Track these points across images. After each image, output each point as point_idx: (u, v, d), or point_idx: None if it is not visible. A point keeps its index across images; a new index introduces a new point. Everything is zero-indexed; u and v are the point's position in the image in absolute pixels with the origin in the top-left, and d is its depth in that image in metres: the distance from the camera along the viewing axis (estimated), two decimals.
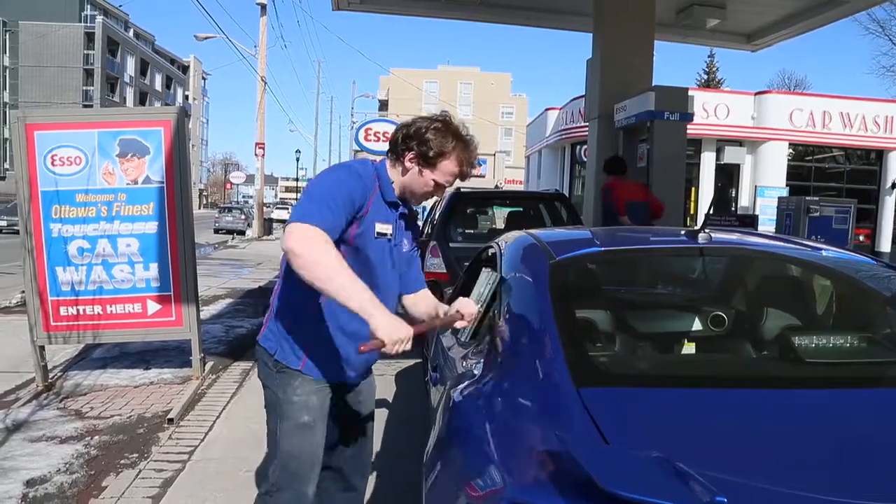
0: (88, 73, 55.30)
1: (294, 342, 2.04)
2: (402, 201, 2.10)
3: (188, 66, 72.34)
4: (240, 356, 6.05)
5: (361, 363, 2.16)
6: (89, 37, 54.95)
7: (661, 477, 1.14)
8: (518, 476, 1.37)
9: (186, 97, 69.23)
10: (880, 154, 20.38)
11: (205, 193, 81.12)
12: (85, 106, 47.31)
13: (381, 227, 2.01)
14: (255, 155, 25.74)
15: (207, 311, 8.19)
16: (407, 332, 1.75)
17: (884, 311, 2.49)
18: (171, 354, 5.88)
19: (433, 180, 2.00)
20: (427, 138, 1.96)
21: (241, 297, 9.74)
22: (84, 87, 54.76)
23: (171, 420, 4.23)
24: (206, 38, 23.40)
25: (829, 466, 1.38)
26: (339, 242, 1.87)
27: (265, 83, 25.20)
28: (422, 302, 2.24)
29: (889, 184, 20.33)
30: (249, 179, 57.12)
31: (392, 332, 1.72)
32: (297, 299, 2.01)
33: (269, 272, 13.47)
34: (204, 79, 77.57)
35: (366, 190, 1.95)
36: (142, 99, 59.73)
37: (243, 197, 72.30)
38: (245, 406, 4.61)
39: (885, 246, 20.22)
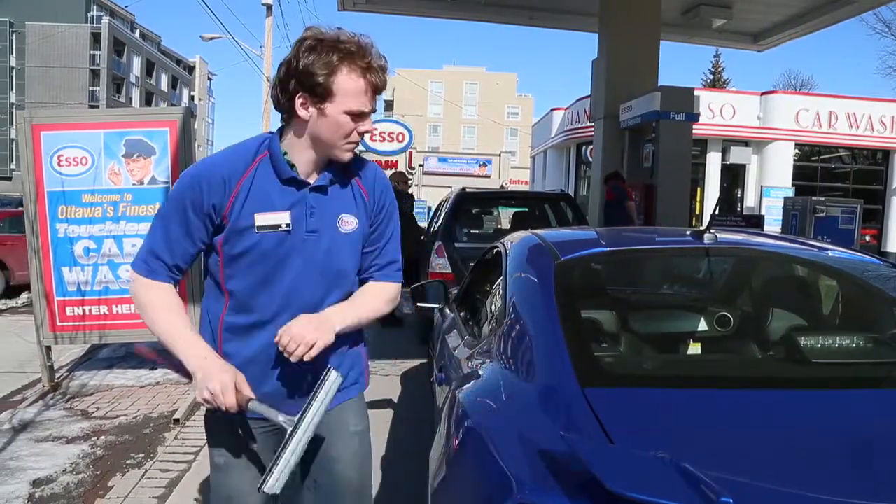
0: (95, 74, 55.55)
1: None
2: (329, 168, 1.61)
3: (194, 67, 72.57)
4: None
5: (279, 388, 1.63)
6: (95, 37, 55.22)
7: (666, 477, 1.14)
8: (523, 476, 1.37)
9: (192, 97, 69.44)
10: (887, 154, 20.29)
11: None
12: (91, 106, 47.56)
13: (265, 219, 1.55)
14: None
15: None
16: (219, 383, 1.45)
17: (890, 312, 2.47)
18: None
19: (344, 113, 1.50)
20: (302, 67, 1.47)
21: None
22: (90, 88, 55.02)
23: (176, 420, 4.24)
24: (212, 38, 23.45)
25: (835, 467, 1.37)
26: (214, 257, 1.62)
27: (271, 83, 25.26)
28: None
29: (895, 184, 20.24)
30: None
31: (200, 385, 1.47)
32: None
33: None
34: (210, 79, 77.80)
35: (218, 186, 1.52)
36: (148, 99, 59.96)
37: None
38: None
39: (891, 246, 20.13)
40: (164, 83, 65.90)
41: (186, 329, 1.56)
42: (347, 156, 1.59)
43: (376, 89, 1.53)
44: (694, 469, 1.13)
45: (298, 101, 1.50)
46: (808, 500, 1.22)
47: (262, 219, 1.55)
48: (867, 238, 19.26)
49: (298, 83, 1.49)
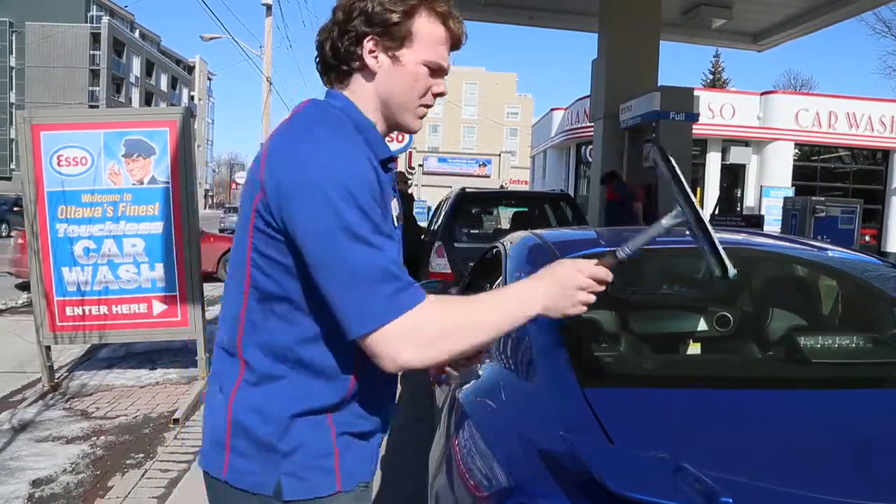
0: (94, 74, 55.62)
1: (313, 444, 1.17)
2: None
3: (194, 67, 72.67)
4: None
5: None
6: (95, 37, 55.28)
7: (666, 477, 1.14)
8: (523, 476, 1.37)
9: (192, 97, 69.53)
10: (886, 154, 20.30)
11: (210, 194, 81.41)
12: (91, 106, 47.61)
13: (395, 208, 1.27)
14: None
15: (213, 312, 8.20)
16: (573, 270, 1.22)
17: (890, 312, 2.48)
18: (177, 354, 5.90)
19: (423, 63, 1.22)
20: (371, 6, 1.19)
21: None
22: (90, 88, 55.09)
23: (176, 420, 4.25)
24: (212, 38, 23.45)
25: (835, 467, 1.38)
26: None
27: (270, 83, 25.26)
28: None
29: (895, 184, 20.25)
30: None
31: (567, 293, 1.20)
32: (321, 358, 1.18)
33: None
34: (209, 79, 77.90)
35: (373, 164, 1.16)
36: (147, 99, 60.01)
37: None
38: None
39: (891, 246, 20.14)
40: (164, 83, 65.95)
41: (487, 295, 1.25)
42: (418, 123, 1.29)
43: (455, 44, 1.27)
44: (694, 469, 1.13)
45: (367, 45, 1.20)
46: (807, 499, 1.22)
47: (395, 208, 1.26)
48: (867, 238, 19.27)
49: (367, 22, 1.18)
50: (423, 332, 1.08)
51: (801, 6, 9.37)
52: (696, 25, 9.86)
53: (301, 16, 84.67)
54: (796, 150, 19.92)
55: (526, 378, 1.75)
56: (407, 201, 8.19)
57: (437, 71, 1.25)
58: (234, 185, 60.86)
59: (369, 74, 1.22)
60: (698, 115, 8.36)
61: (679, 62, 77.63)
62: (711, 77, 38.76)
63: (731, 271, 1.23)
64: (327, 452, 1.19)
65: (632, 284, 2.85)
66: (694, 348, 2.22)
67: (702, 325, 2.38)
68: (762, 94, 19.93)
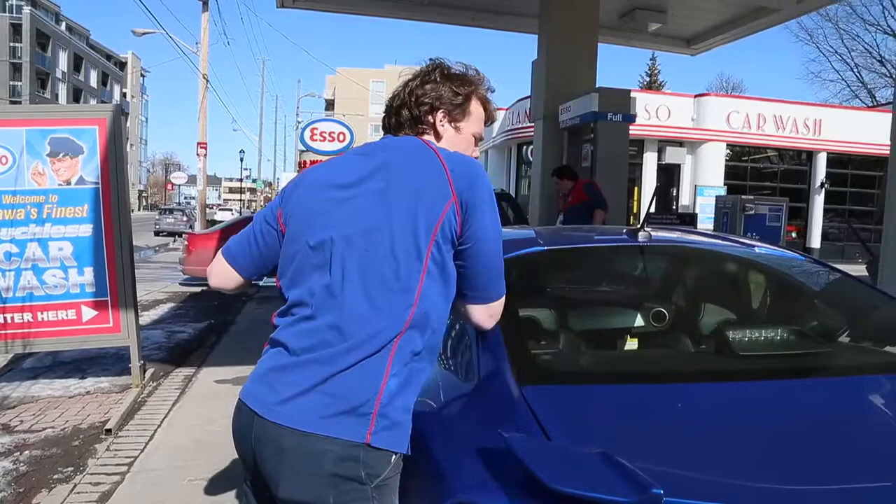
0: (16, 68, 52.85)
1: (411, 407, 1.44)
2: None
3: (126, 63, 69.98)
4: (181, 362, 5.88)
5: None
6: (16, 28, 52.48)
7: (600, 472, 1.16)
8: (463, 475, 1.37)
9: (124, 95, 66.91)
10: (810, 155, 21.33)
11: (144, 195, 78.70)
12: (12, 102, 45.22)
13: None
14: (198, 155, 25.06)
15: (147, 317, 7.95)
16: None
17: (812, 305, 2.60)
18: (109, 362, 5.67)
19: (472, 134, 1.68)
20: (444, 89, 1.62)
21: (183, 301, 9.48)
22: (11, 83, 52.30)
23: (108, 430, 4.08)
24: (145, 33, 22.66)
25: (763, 455, 1.43)
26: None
27: (207, 81, 24.59)
28: None
29: (818, 183, 21.30)
30: (191, 180, 55.67)
31: None
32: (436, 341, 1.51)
33: None
34: (143, 76, 75.20)
35: None
36: (76, 96, 57.50)
37: (185, 198, 70.37)
38: (188, 413, 4.49)
39: (815, 242, 21.18)
40: (94, 79, 63.31)
41: None
42: None
43: (488, 121, 1.72)
44: (627, 463, 1.15)
45: (438, 116, 1.62)
46: (736, 487, 1.26)
47: None
48: (793, 235, 20.22)
49: (439, 100, 1.62)
50: None
51: (731, 13, 9.72)
52: (633, 29, 10.10)
53: (239, 12, 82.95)
54: (728, 151, 20.71)
55: (465, 378, 1.75)
56: None
57: (478, 140, 1.72)
58: (169, 186, 59.02)
59: (437, 137, 1.63)
60: (635, 116, 8.57)
61: (617, 64, 79.61)
62: (648, 79, 39.87)
63: None
64: None
65: (570, 282, 2.90)
66: (631, 343, 2.27)
67: (638, 321, 2.44)
68: (696, 96, 20.64)
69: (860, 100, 29.25)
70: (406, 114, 1.63)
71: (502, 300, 1.56)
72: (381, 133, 1.73)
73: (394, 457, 1.35)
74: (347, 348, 1.34)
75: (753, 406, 1.64)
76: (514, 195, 12.96)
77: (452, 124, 1.64)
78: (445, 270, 1.44)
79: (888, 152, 4.03)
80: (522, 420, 1.44)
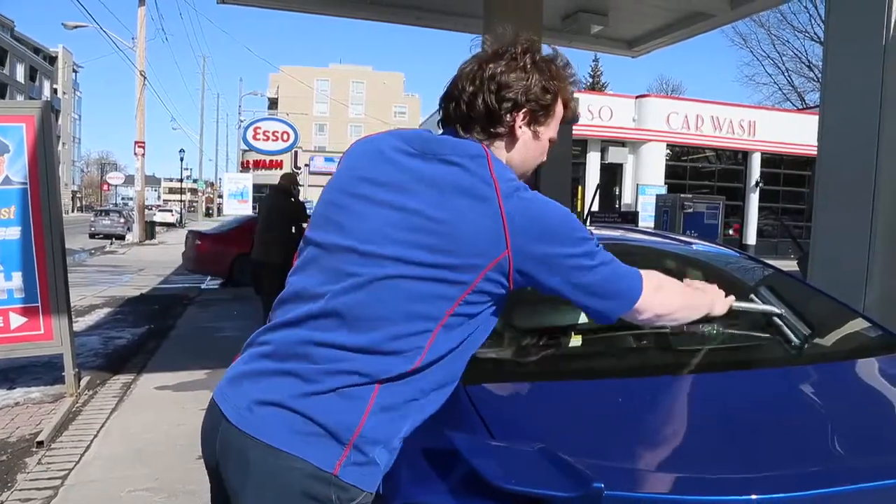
0: None
1: (397, 447, 1.28)
2: None
3: (56, 58, 67.02)
4: (120, 369, 5.67)
5: None
6: None
7: (542, 468, 1.17)
8: (408, 476, 1.36)
9: (55, 91, 64.12)
10: (746, 155, 22.17)
11: (78, 195, 75.77)
12: None
13: None
14: (135, 154, 24.28)
15: (83, 323, 7.65)
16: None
17: (748, 300, 2.69)
18: (41, 371, 5.43)
19: (549, 139, 1.40)
20: (537, 82, 1.31)
21: (120, 305, 9.16)
22: None
23: (40, 443, 3.90)
24: (77, 26, 21.81)
25: (700, 445, 1.47)
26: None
27: (145, 78, 23.85)
28: None
29: (753, 182, 22.15)
30: (129, 180, 53.78)
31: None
32: (453, 371, 1.31)
33: (153, 278, 12.76)
34: (75, 71, 72.24)
35: None
36: (0, 92, 54.78)
37: (122, 199, 67.98)
38: (126, 422, 4.33)
39: (751, 239, 22.03)
40: (21, 74, 60.28)
41: (685, 288, 1.53)
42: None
43: (567, 120, 1.44)
44: (569, 458, 1.17)
45: (520, 116, 1.32)
46: (675, 477, 1.29)
47: None
48: (730, 232, 20.99)
49: (525, 95, 1.31)
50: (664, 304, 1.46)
51: (670, 17, 10.01)
52: (576, 31, 10.28)
53: (178, 7, 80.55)
54: (668, 151, 21.33)
55: None
56: (296, 205, 7.71)
57: (551, 145, 1.42)
58: (105, 187, 56.95)
59: (512, 141, 1.34)
60: (578, 116, 8.71)
61: None
62: (591, 80, 40.68)
63: None
64: None
65: None
66: (575, 341, 2.30)
67: (582, 319, 2.48)
68: (637, 97, 21.18)
69: (791, 102, 30.59)
70: (482, 106, 1.30)
71: (643, 299, 1.32)
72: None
73: (363, 494, 1.20)
74: (330, 371, 1.20)
75: (692, 398, 1.70)
76: None
77: (532, 127, 1.35)
78: (474, 326, 1.25)
79: (816, 153, 4.21)
80: (467, 419, 1.45)
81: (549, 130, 1.38)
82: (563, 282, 1.25)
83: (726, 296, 1.59)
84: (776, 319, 1.99)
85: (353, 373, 1.19)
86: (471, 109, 1.31)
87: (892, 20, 3.63)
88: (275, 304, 1.34)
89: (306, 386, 1.19)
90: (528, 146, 1.36)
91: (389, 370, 1.20)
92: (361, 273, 1.21)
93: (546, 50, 1.39)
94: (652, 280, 1.36)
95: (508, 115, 1.31)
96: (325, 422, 1.18)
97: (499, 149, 1.34)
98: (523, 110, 1.31)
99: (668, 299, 1.40)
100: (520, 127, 1.33)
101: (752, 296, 2.15)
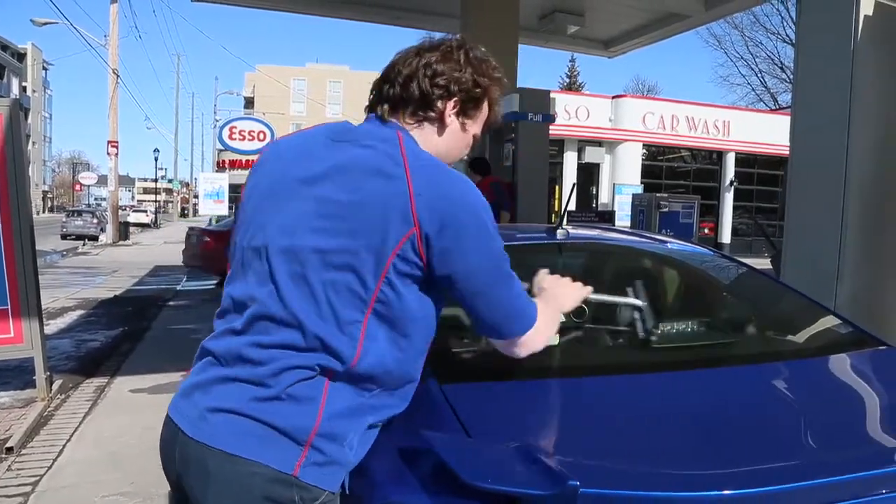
0: None
1: (364, 441, 1.28)
2: None
3: (25, 55, 65.58)
4: (93, 372, 5.58)
5: None
6: None
7: (518, 466, 1.18)
8: (386, 475, 1.36)
9: (24, 89, 62.75)
10: (720, 154, 22.46)
11: (50, 196, 74.37)
12: None
13: None
14: (108, 154, 23.92)
15: (55, 325, 7.52)
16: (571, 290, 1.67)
17: (722, 298, 2.73)
18: (11, 375, 5.32)
19: (474, 134, 1.43)
20: (471, 75, 1.36)
21: (94, 307, 9.01)
22: None
23: (9, 449, 3.81)
24: (47, 23, 21.40)
25: (676, 442, 1.48)
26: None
27: (118, 76, 23.49)
28: None
29: (728, 181, 22.45)
30: (102, 180, 52.67)
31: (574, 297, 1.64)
32: (411, 365, 1.32)
33: (127, 280, 12.58)
34: (45, 69, 70.81)
35: None
36: None
37: (95, 199, 66.83)
38: (100, 426, 4.26)
39: (726, 238, 22.33)
40: None
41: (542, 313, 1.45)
42: None
43: (491, 123, 1.47)
44: (544, 457, 1.17)
45: (450, 105, 1.36)
46: (651, 474, 1.30)
47: None
48: (706, 231, 21.25)
49: (458, 85, 1.35)
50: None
51: (645, 18, 10.11)
52: (552, 31, 10.34)
53: (151, 4, 79.44)
54: (644, 150, 21.54)
55: None
56: None
57: (475, 142, 1.46)
58: (77, 187, 55.94)
59: (441, 129, 1.37)
60: (555, 116, 8.76)
61: (538, 66, 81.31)
62: (568, 80, 40.92)
63: None
64: None
65: None
66: (553, 339, 2.31)
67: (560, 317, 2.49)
68: (613, 97, 21.36)
69: (764, 103, 31.03)
70: (416, 89, 1.33)
71: (531, 332, 1.35)
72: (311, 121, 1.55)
73: (325, 494, 1.19)
74: (278, 372, 1.19)
75: (667, 396, 1.71)
76: None
77: (461, 118, 1.38)
78: (405, 310, 1.23)
79: (789, 152, 4.27)
80: (443, 418, 1.44)
81: (475, 126, 1.42)
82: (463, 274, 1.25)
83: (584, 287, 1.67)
84: (634, 312, 1.96)
85: (300, 371, 1.19)
86: (404, 91, 1.34)
87: (861, 22, 3.70)
88: (217, 314, 1.33)
89: (257, 390, 1.19)
90: (455, 136, 1.39)
91: (333, 364, 1.19)
92: (288, 270, 1.22)
93: (477, 52, 1.42)
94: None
95: (440, 102, 1.35)
96: (280, 424, 1.17)
97: (429, 133, 1.37)
98: (454, 99, 1.35)
99: (545, 333, 1.43)
100: (449, 115, 1.36)
101: (629, 289, 2.16)
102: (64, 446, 3.93)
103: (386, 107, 1.36)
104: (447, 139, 1.38)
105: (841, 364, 2.03)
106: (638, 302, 1.88)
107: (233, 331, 1.25)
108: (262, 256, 1.24)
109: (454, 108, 1.36)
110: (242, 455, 1.17)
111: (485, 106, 1.41)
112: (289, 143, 1.38)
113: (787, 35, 27.15)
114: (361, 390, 1.23)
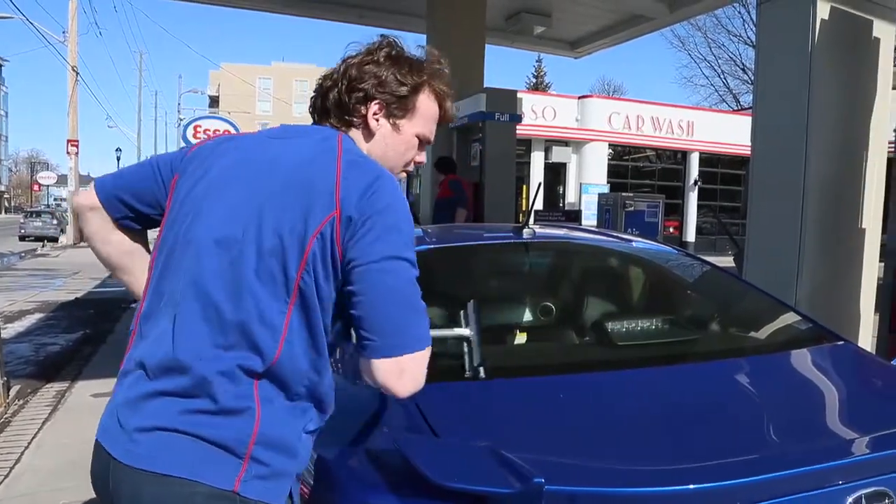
0: None
1: (301, 451, 1.22)
2: None
3: None
4: (53, 377, 5.43)
5: None
6: None
7: (484, 465, 1.18)
8: (353, 477, 1.35)
9: None
10: (685, 154, 22.85)
11: (6, 196, 72.29)
12: None
13: None
14: (68, 153, 23.33)
15: (12, 329, 7.30)
16: None
17: (686, 296, 2.77)
18: None
19: (416, 135, 1.38)
20: (387, 73, 1.32)
21: (53, 310, 8.78)
22: None
23: None
24: (2, 18, 20.78)
25: (640, 438, 1.50)
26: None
27: (77, 73, 22.93)
28: None
29: (692, 181, 22.85)
30: (62, 180, 51.54)
31: None
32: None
33: (89, 282, 12.28)
34: (0, 65, 68.87)
35: None
36: None
37: (55, 200, 65.12)
38: (59, 432, 4.15)
39: (690, 236, 22.72)
40: None
41: None
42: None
43: (442, 122, 1.42)
44: (510, 455, 1.18)
45: (373, 107, 1.33)
46: (615, 471, 1.32)
47: None
48: (671, 230, 21.59)
49: (379, 87, 1.32)
50: None
51: (611, 19, 10.23)
52: (519, 31, 10.40)
53: (112, 0, 77.78)
54: (610, 150, 21.80)
55: (353, 381, 1.72)
56: None
57: (423, 143, 1.41)
58: (36, 187, 54.44)
59: (368, 134, 1.35)
60: (522, 116, 8.81)
61: (505, 66, 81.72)
62: (535, 80, 41.20)
63: None
64: None
65: (459, 280, 2.93)
66: (520, 338, 2.32)
67: (527, 316, 2.50)
68: (579, 97, 21.57)
69: (727, 104, 31.65)
70: (334, 98, 1.33)
71: (420, 356, 1.20)
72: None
73: None
74: (207, 378, 1.11)
75: (632, 392, 1.73)
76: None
77: (390, 120, 1.34)
78: (327, 297, 1.17)
79: (750, 152, 4.36)
80: (411, 419, 1.44)
81: (414, 125, 1.37)
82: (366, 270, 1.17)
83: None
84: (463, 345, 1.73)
85: (227, 374, 1.12)
86: (325, 101, 1.35)
87: (818, 26, 3.80)
88: (141, 319, 1.24)
89: (186, 402, 1.12)
90: (388, 139, 1.36)
91: (258, 362, 1.13)
92: (212, 265, 1.17)
93: (418, 52, 1.40)
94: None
95: (362, 106, 1.33)
96: (214, 437, 1.11)
97: (357, 139, 1.35)
98: (375, 101, 1.33)
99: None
100: (374, 117, 1.34)
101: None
102: (21, 454, 3.82)
103: (315, 117, 1.38)
104: (379, 143, 1.35)
105: (801, 359, 2.08)
106: (466, 332, 1.66)
107: (153, 337, 1.18)
108: (184, 254, 1.20)
109: (379, 110, 1.33)
110: (178, 475, 1.09)
111: (421, 103, 1.36)
112: (232, 142, 1.34)
113: (749, 37, 27.76)
114: (294, 391, 1.17)
